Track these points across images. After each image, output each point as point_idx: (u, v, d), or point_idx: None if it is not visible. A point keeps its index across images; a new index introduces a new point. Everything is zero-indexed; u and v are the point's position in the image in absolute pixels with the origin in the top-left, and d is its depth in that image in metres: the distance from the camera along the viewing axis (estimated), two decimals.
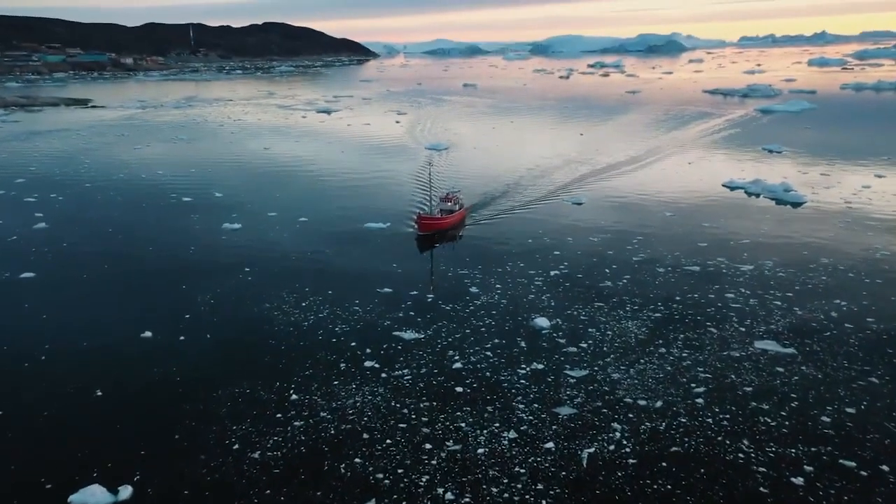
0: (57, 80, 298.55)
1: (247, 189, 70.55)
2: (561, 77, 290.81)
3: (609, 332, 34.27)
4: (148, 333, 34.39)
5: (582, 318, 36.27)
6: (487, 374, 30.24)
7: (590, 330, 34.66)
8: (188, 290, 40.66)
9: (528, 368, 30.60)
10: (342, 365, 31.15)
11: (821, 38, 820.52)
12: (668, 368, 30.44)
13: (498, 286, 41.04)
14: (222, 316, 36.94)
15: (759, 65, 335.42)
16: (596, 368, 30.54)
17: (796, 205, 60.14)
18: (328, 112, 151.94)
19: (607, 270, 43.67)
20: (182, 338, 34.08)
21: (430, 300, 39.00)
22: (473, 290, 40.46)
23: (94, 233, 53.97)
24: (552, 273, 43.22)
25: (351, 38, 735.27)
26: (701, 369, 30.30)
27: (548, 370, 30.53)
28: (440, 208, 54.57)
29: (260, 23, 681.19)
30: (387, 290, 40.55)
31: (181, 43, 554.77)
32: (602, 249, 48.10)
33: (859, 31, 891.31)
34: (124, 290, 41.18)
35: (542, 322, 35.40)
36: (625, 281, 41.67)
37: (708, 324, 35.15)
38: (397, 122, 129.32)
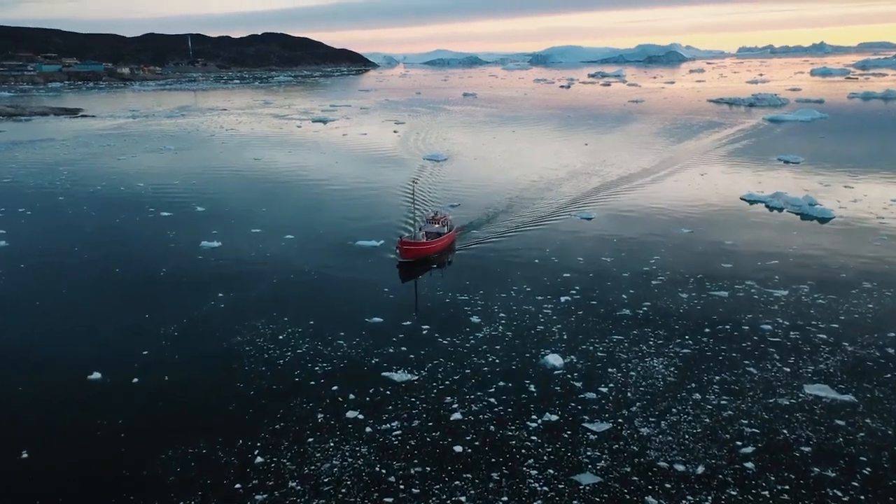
0: (51, 89, 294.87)
1: (231, 202, 65.96)
2: (562, 87, 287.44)
3: (632, 373, 29.50)
4: (96, 375, 29.58)
5: (599, 354, 31.52)
6: (491, 427, 25.45)
7: (609, 370, 29.90)
8: (151, 321, 35.88)
9: (539, 420, 25.82)
10: (320, 415, 26.36)
11: (819, 49, 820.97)
12: (707, 420, 25.65)
13: (502, 315, 36.32)
14: (185, 352, 32.14)
15: (761, 74, 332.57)
16: (620, 421, 25.75)
17: (824, 220, 55.53)
18: (324, 122, 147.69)
19: (624, 296, 38.96)
20: (135, 380, 29.27)
21: (425, 332, 34.25)
22: (474, 319, 35.73)
23: (57, 252, 49.24)
24: (562, 299, 38.50)
25: (350, 49, 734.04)
26: (745, 422, 25.51)
27: (563, 423, 25.75)
28: (426, 231, 47.85)
29: (259, 33, 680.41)
30: (376, 319, 35.81)
31: (180, 53, 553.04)
32: (617, 271, 43.41)
33: (857, 43, 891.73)
34: (78, 321, 36.39)
35: (554, 360, 30.65)
36: (645, 309, 36.94)
37: (746, 362, 30.39)
38: (395, 131, 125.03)
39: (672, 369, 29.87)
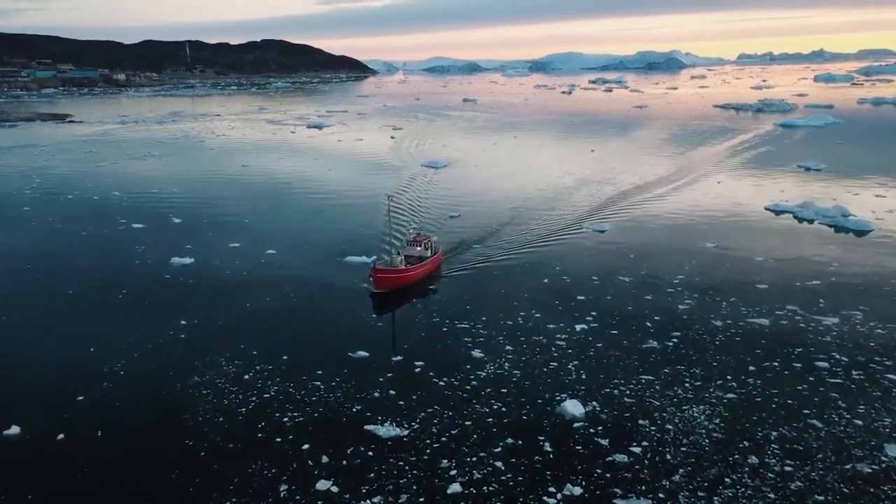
0: (44, 95, 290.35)
1: (212, 213, 60.73)
2: (563, 92, 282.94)
3: (669, 427, 24.18)
4: (14, 429, 24.26)
5: (626, 400, 26.22)
6: None
7: (640, 422, 24.59)
8: (95, 355, 30.57)
9: (559, 494, 20.52)
10: (284, 486, 21.05)
11: (819, 56, 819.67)
12: (771, 496, 20.34)
13: (508, 348, 31.04)
14: (128, 397, 26.81)
15: (764, 80, 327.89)
16: (661, 495, 20.45)
17: (861, 233, 50.34)
18: (319, 127, 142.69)
19: (649, 324, 33.70)
20: (60, 437, 23.93)
21: (417, 371, 28.96)
22: (476, 354, 30.45)
23: (7, 271, 44.00)
24: (578, 328, 33.24)
25: (350, 56, 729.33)
26: (821, 498, 20.21)
27: (589, 497, 20.46)
28: (405, 254, 41.12)
29: (258, 40, 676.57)
30: (361, 354, 30.53)
31: (178, 60, 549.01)
32: (638, 293, 38.15)
33: (857, 50, 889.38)
34: (10, 357, 31.02)
35: (573, 407, 25.36)
36: (675, 341, 31.66)
37: (806, 412, 25.09)
38: (392, 137, 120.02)
39: (717, 421, 24.56)
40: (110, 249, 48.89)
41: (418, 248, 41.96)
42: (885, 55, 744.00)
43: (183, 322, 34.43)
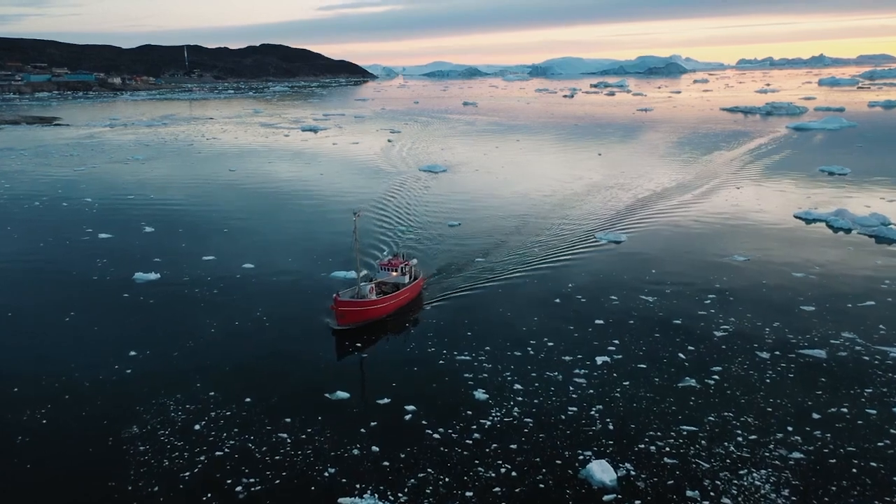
0: (37, 99, 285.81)
1: (188, 222, 55.58)
2: (565, 96, 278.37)
3: (726, 501, 18.96)
4: None
5: (667, 460, 20.99)
6: None
7: (689, 493, 19.37)
8: (17, 397, 25.34)
9: None
10: None
11: (819, 61, 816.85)
12: None
13: (517, 387, 25.83)
14: (47, 456, 21.53)
15: (768, 84, 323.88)
16: None
17: None
18: (314, 131, 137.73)
19: (682, 356, 28.53)
20: None
21: (408, 417, 23.74)
22: (479, 395, 25.24)
23: None
24: (598, 360, 28.05)
25: (349, 61, 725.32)
26: None
27: None
28: (378, 281, 34.65)
29: (258, 45, 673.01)
30: (341, 395, 25.34)
31: (176, 64, 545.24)
32: (665, 316, 32.96)
33: (857, 55, 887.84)
34: None
35: (602, 471, 20.15)
36: (716, 378, 26.47)
37: None
38: (389, 140, 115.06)
39: (786, 492, 19.34)
40: (68, 263, 43.69)
41: (394, 274, 35.05)
42: (885, 60, 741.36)
43: (133, 353, 29.22)
